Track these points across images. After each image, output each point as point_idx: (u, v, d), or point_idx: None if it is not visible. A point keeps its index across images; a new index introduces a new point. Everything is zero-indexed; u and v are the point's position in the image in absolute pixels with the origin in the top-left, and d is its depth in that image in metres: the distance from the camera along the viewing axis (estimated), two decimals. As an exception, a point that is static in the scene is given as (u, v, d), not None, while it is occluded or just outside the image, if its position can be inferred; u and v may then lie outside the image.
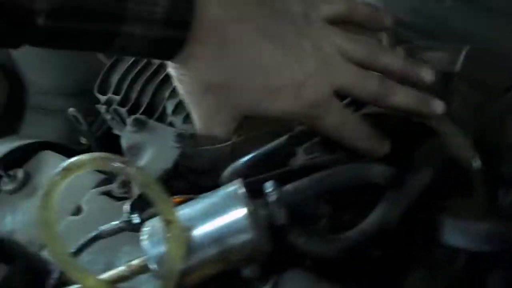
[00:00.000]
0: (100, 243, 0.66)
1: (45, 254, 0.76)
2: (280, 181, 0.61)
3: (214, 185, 0.73)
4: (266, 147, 0.64)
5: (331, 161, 0.65)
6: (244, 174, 0.60)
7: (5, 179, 0.85)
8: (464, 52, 0.67)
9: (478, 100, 0.65)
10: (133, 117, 0.74)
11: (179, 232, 0.53)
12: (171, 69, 0.56)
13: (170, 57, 0.53)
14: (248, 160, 0.64)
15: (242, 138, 0.69)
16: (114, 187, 0.74)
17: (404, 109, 0.61)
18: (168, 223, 0.52)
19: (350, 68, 0.57)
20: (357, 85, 0.58)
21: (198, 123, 0.60)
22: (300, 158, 0.66)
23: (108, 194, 0.75)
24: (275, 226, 0.57)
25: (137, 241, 0.67)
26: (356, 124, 0.62)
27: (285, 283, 0.63)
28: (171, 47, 0.50)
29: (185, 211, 0.56)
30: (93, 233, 0.63)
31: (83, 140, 1.17)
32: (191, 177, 0.75)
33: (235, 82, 0.53)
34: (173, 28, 0.49)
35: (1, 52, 1.20)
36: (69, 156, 0.92)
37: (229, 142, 0.68)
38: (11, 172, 0.85)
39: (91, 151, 1.04)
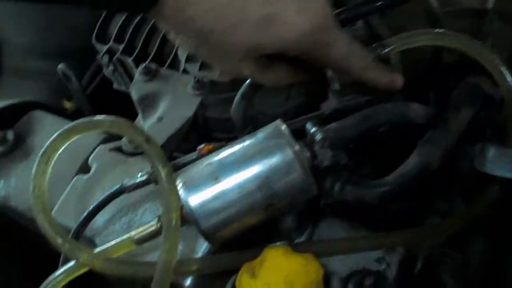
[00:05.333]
0: (119, 200, 0.61)
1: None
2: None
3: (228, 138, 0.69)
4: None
5: (363, 104, 0.62)
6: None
7: (-6, 142, 0.77)
8: (495, -12, 0.65)
9: (513, 36, 0.63)
10: (143, 65, 0.67)
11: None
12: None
13: (143, 10, 0.47)
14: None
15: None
16: (124, 142, 0.69)
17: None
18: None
19: None
20: None
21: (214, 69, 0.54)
22: (332, 101, 0.62)
23: (118, 150, 0.69)
24: (318, 169, 0.53)
25: (158, 197, 0.62)
26: (363, 53, 0.57)
27: (320, 232, 0.60)
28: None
29: (225, 158, 0.52)
30: (115, 188, 0.58)
31: (67, 105, 1.10)
32: (206, 128, 0.70)
33: (223, 23, 0.47)
34: None
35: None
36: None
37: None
38: (0, 134, 0.77)
39: (80, 113, 0.98)
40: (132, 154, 0.68)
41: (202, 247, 0.57)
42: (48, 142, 0.57)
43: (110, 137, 0.73)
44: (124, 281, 0.62)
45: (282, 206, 0.52)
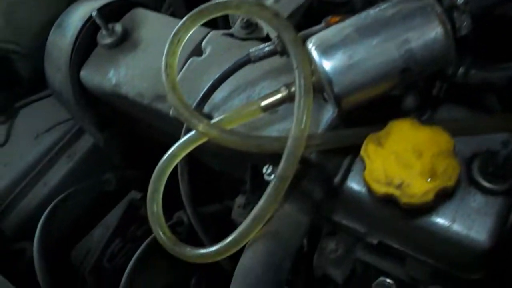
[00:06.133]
0: (237, 78, 0.62)
1: (157, 104, 0.71)
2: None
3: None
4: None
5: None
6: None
7: (103, 33, 0.79)
8: None
9: None
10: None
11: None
12: None
13: None
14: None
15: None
16: (236, 28, 0.69)
17: None
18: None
19: None
20: None
21: None
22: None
23: (230, 35, 0.69)
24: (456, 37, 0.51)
25: (277, 75, 0.63)
26: None
27: (441, 113, 0.59)
28: None
29: (360, 21, 0.51)
30: (242, 57, 0.58)
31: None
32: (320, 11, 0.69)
33: None
34: None
35: None
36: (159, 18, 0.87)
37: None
38: (109, 26, 0.79)
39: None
40: (243, 40, 0.68)
41: (324, 121, 0.57)
42: (179, 24, 0.58)
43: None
44: (236, 156, 0.62)
45: (416, 72, 0.51)
